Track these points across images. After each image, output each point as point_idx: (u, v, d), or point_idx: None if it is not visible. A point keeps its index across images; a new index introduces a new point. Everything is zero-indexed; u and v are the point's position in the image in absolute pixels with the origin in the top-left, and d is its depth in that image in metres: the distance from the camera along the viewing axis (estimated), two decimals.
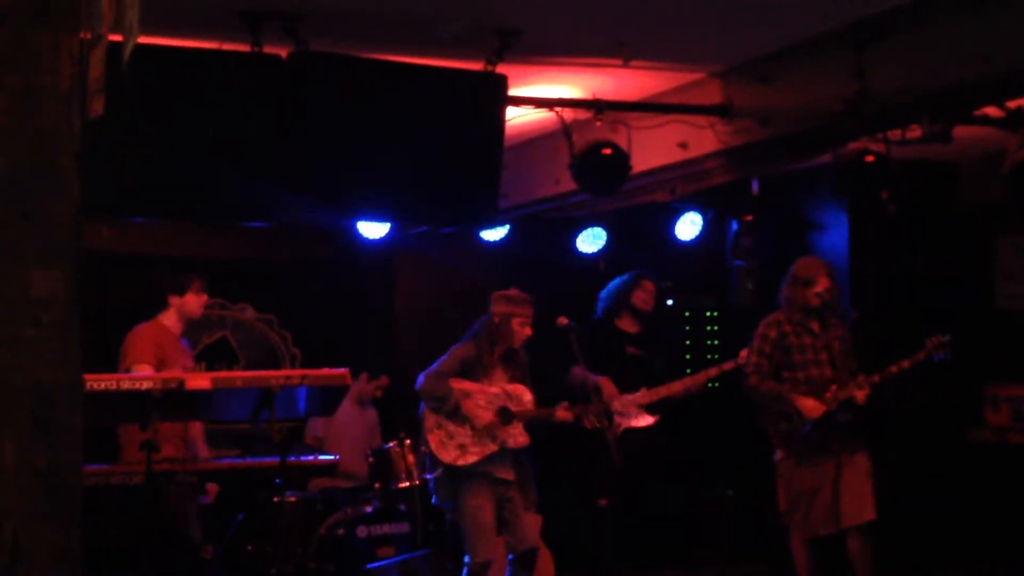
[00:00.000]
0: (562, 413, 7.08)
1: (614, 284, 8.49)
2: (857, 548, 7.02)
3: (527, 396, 7.00)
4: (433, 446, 6.94)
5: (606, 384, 8.03)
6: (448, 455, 6.87)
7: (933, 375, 8.09)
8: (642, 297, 8.38)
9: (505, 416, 6.89)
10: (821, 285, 7.07)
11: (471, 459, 6.86)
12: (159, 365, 6.79)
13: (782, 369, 7.17)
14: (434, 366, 7.04)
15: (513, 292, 7.15)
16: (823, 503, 7.03)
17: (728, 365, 7.85)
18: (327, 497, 8.42)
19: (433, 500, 7.17)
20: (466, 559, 6.88)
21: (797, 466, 7.13)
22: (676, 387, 8.05)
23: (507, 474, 6.93)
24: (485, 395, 6.94)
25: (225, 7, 5.83)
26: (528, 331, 7.05)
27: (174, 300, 7.12)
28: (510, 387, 6.99)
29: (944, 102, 6.23)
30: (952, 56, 5.83)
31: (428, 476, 7.23)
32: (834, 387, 7.00)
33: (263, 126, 6.09)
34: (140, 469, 6.05)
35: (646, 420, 8.08)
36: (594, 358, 8.02)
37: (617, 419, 8.01)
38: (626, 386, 8.10)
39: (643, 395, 8.06)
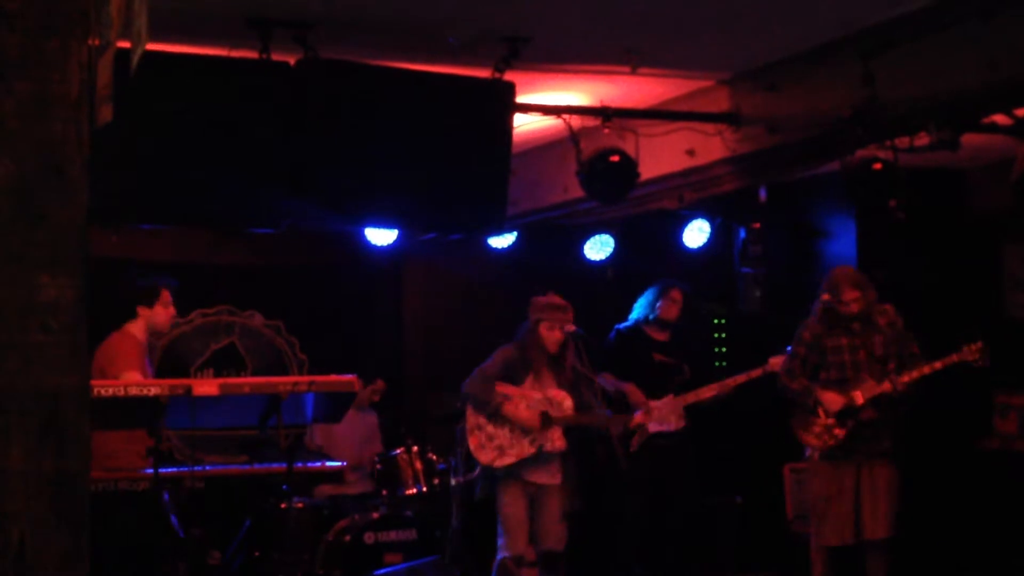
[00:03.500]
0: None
1: (647, 292, 8.55)
2: (872, 564, 7.02)
3: (568, 402, 7.10)
4: (472, 447, 7.14)
5: (632, 391, 8.12)
6: (486, 456, 7.08)
7: (942, 384, 8.10)
8: (665, 306, 8.43)
9: (545, 421, 6.99)
10: (846, 295, 7.03)
11: (508, 460, 7.04)
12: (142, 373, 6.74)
13: (819, 369, 7.16)
14: (481, 367, 7.21)
15: (547, 298, 7.24)
16: (839, 511, 7.02)
17: (756, 372, 7.90)
18: (334, 503, 8.42)
19: (476, 492, 7.34)
20: (499, 554, 7.06)
21: (817, 470, 7.15)
22: (704, 393, 8.14)
23: (540, 478, 7.04)
24: (527, 399, 7.08)
25: (234, 15, 5.84)
26: (557, 335, 7.12)
27: (143, 311, 7.04)
28: (552, 393, 7.08)
29: (952, 110, 6.22)
30: (960, 64, 5.83)
31: (456, 478, 7.42)
32: (861, 384, 7.00)
33: (272, 133, 6.10)
34: (146, 475, 6.06)
35: (672, 425, 8.14)
36: (623, 364, 8.24)
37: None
38: (654, 393, 8.15)
39: (671, 401, 8.14)
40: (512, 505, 7.04)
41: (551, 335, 7.12)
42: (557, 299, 7.22)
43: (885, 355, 7.05)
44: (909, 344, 7.09)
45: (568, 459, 7.16)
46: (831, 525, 7.04)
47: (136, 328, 7.02)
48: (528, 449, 7.01)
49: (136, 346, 6.93)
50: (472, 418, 7.14)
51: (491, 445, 7.04)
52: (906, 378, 6.93)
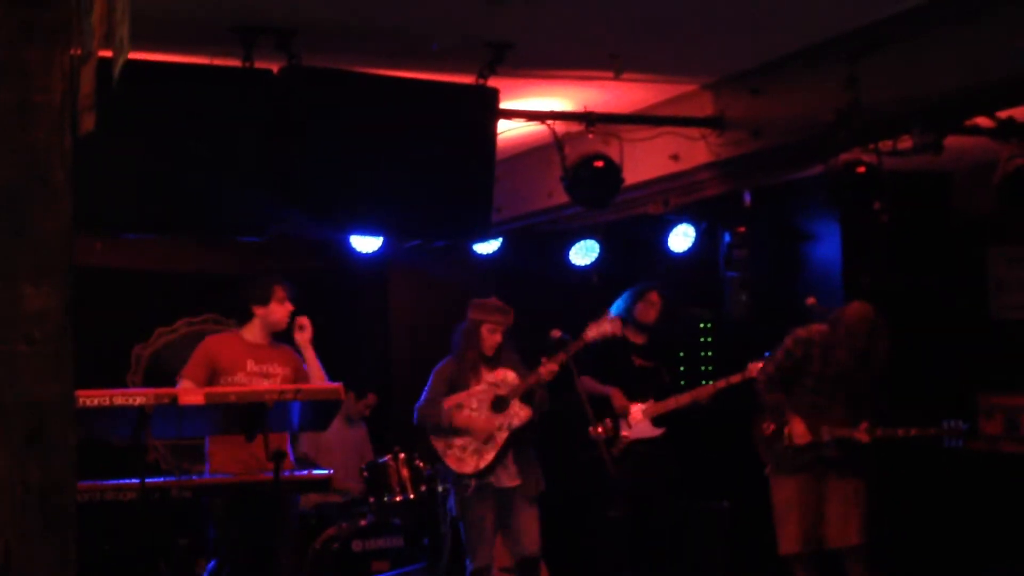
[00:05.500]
0: (544, 369, 7.06)
1: (624, 294, 8.52)
2: (851, 571, 7.02)
3: (511, 375, 7.09)
4: (453, 465, 7.15)
5: (616, 394, 8.11)
6: (469, 466, 7.09)
7: (928, 385, 8.11)
8: (642, 309, 8.40)
9: (500, 404, 7.01)
10: (848, 344, 6.85)
11: (490, 456, 7.05)
12: (213, 377, 6.74)
13: (794, 384, 7.09)
14: (424, 395, 7.25)
15: (488, 300, 7.23)
16: (799, 520, 7.02)
17: (735, 378, 7.86)
18: (321, 512, 8.41)
19: (450, 507, 7.39)
20: (468, 565, 7.08)
21: (775, 480, 7.14)
22: (684, 399, 8.11)
23: (511, 481, 7.02)
24: (475, 398, 7.07)
25: (217, 22, 5.83)
26: (497, 338, 7.14)
27: (259, 311, 7.04)
28: (492, 376, 7.07)
29: (937, 113, 6.24)
30: (945, 67, 5.84)
31: (443, 485, 7.62)
32: (830, 423, 6.95)
33: (255, 141, 6.09)
34: (133, 485, 6.03)
35: (653, 431, 8.13)
36: (602, 368, 8.17)
37: (624, 431, 8.08)
38: (634, 397, 8.15)
39: (651, 406, 8.14)
40: (484, 519, 7.07)
41: (491, 338, 7.15)
42: (499, 303, 7.23)
43: (868, 396, 6.98)
44: (876, 400, 7.00)
45: (521, 447, 7.13)
46: (791, 532, 7.03)
47: (248, 331, 7.01)
48: (502, 435, 7.03)
49: (211, 352, 6.88)
50: (437, 442, 7.21)
51: (467, 454, 7.09)
52: (879, 433, 6.87)
